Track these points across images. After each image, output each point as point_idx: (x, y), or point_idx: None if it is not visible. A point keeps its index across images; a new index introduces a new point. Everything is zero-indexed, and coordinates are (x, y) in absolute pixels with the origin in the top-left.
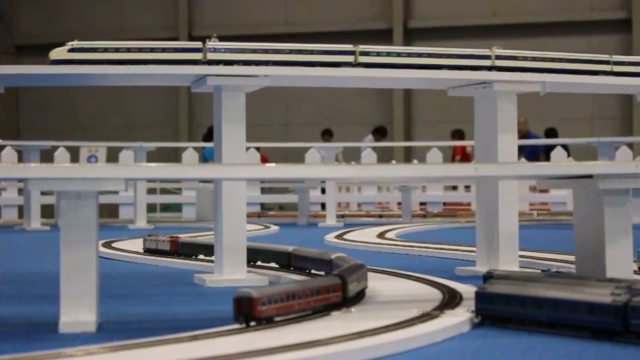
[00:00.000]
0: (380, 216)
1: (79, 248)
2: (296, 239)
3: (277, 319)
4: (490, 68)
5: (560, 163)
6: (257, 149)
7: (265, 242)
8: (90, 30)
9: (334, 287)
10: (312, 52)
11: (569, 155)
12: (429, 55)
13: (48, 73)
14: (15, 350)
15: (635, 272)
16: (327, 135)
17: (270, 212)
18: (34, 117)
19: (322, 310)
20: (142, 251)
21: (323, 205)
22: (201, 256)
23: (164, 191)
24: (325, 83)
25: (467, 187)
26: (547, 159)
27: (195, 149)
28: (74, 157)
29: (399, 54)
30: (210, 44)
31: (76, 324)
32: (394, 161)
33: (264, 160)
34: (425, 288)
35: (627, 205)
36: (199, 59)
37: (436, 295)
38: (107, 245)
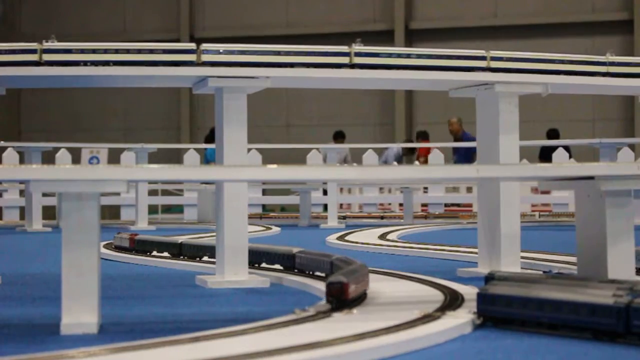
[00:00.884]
0: (382, 217)
1: (81, 249)
2: (298, 240)
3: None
4: (485, 69)
5: (562, 164)
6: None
7: (267, 243)
8: (92, 32)
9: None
10: (307, 53)
11: (570, 157)
12: (424, 56)
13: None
14: (16, 352)
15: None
16: (340, 138)
17: (272, 214)
18: (35, 119)
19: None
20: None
21: (325, 207)
22: (154, 252)
23: (166, 193)
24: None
25: (469, 189)
26: (549, 160)
27: (197, 150)
28: (76, 158)
29: (394, 55)
30: (205, 45)
31: (78, 326)
32: (395, 162)
33: None
34: (427, 289)
35: (629, 206)
36: (193, 61)
37: (438, 296)
38: (109, 246)
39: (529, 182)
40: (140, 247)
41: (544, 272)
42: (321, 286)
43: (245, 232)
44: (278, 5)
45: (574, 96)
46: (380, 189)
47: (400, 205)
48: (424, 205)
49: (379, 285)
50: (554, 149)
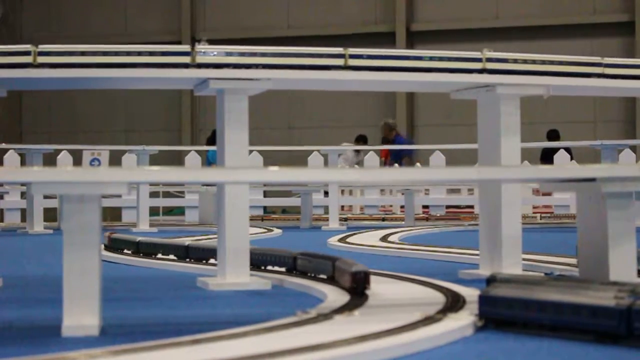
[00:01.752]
0: (383, 219)
1: (82, 251)
2: (299, 242)
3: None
4: (481, 71)
5: (563, 166)
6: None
7: (269, 245)
8: (93, 34)
9: None
10: (301, 55)
11: (572, 158)
12: (419, 57)
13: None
14: (18, 354)
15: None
16: (361, 142)
17: (273, 216)
18: (36, 121)
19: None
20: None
21: (326, 209)
22: (126, 250)
23: (167, 194)
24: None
25: (470, 190)
26: (550, 162)
27: (198, 152)
28: (77, 160)
29: (389, 57)
30: (200, 47)
31: (79, 328)
32: (396, 164)
33: None
34: (428, 291)
35: (630, 208)
36: (188, 63)
37: (439, 298)
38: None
39: (530, 184)
40: (113, 245)
41: (546, 274)
42: (322, 287)
43: (247, 234)
44: (279, 7)
45: (575, 98)
46: (382, 190)
47: (402, 207)
48: (425, 207)
49: (380, 287)
50: (555, 150)
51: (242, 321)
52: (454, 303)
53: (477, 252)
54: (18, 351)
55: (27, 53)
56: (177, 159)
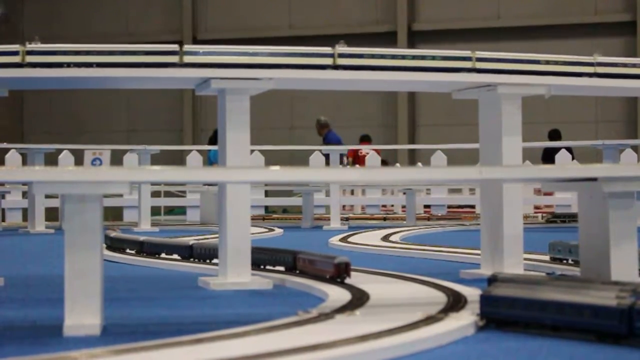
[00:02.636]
0: (385, 219)
1: (84, 251)
2: (300, 241)
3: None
4: (470, 70)
5: (565, 166)
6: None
7: (270, 244)
8: (95, 34)
9: None
10: (289, 54)
11: (573, 158)
12: (409, 57)
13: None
14: (19, 353)
15: None
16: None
17: (274, 215)
18: (38, 120)
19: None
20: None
21: (327, 208)
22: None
23: (168, 194)
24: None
25: (472, 190)
26: (552, 161)
27: (200, 152)
28: (78, 160)
29: (378, 56)
30: (187, 47)
31: (80, 327)
32: (398, 164)
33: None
34: (430, 291)
35: (632, 208)
36: (175, 62)
37: (440, 298)
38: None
39: (531, 184)
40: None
41: (547, 273)
42: (323, 287)
43: (248, 234)
44: (281, 7)
45: (577, 98)
46: (383, 190)
47: (403, 206)
48: (426, 206)
49: (381, 287)
50: (556, 150)
51: (243, 321)
52: (456, 303)
53: (478, 251)
54: (19, 350)
55: (15, 53)
56: (178, 159)
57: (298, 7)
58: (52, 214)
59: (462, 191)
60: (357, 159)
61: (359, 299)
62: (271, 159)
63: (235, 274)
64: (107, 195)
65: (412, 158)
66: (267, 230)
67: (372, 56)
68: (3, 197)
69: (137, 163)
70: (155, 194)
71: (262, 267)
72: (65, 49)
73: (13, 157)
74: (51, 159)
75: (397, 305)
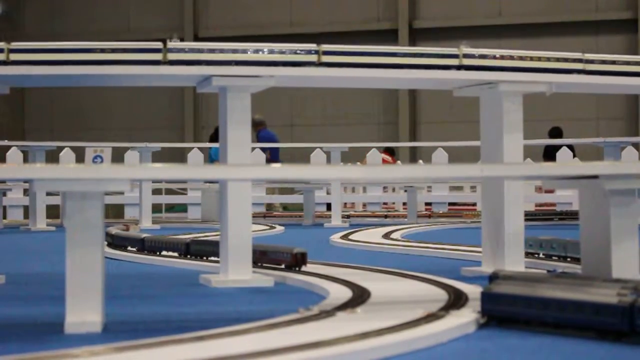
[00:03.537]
0: (386, 217)
1: (85, 248)
2: (301, 239)
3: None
4: (458, 67)
5: (566, 163)
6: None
7: (271, 242)
8: (96, 31)
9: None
10: (274, 51)
11: (574, 156)
12: (395, 54)
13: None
14: (20, 351)
15: None
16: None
17: (275, 213)
18: (39, 118)
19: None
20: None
21: (328, 206)
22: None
23: (169, 192)
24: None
25: (473, 188)
26: (553, 159)
27: (201, 149)
28: (80, 157)
29: (363, 54)
30: (171, 44)
31: (82, 325)
32: (399, 162)
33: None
34: (431, 288)
35: (633, 205)
36: (159, 60)
37: (442, 295)
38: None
39: (533, 181)
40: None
41: (548, 271)
42: (325, 285)
43: (249, 231)
44: (282, 4)
45: (578, 95)
46: (384, 188)
47: (404, 204)
48: (427, 204)
49: (382, 285)
50: (557, 148)
51: (244, 318)
52: (457, 300)
53: (479, 249)
54: (21, 348)
55: (0, 50)
56: (179, 156)
57: (299, 5)
58: (53, 212)
59: (463, 189)
60: None
61: (360, 296)
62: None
63: (236, 271)
64: (108, 192)
65: (413, 155)
66: (268, 227)
67: (356, 53)
68: (4, 194)
69: (138, 161)
70: (157, 192)
71: (202, 258)
72: (50, 47)
73: (14, 154)
74: (52, 157)
75: (398, 303)
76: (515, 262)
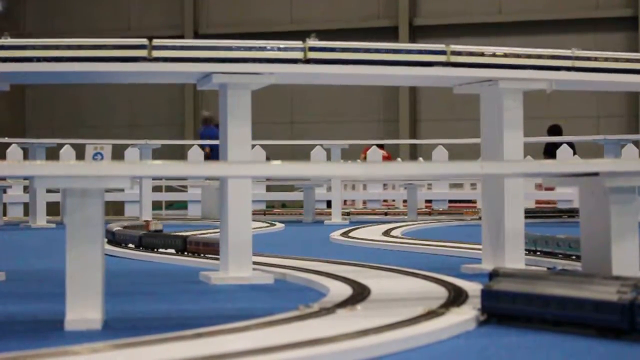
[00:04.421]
0: (386, 214)
1: (85, 245)
2: (301, 236)
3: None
4: (446, 64)
5: (566, 161)
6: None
7: (271, 239)
8: (96, 29)
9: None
10: (259, 48)
11: (575, 153)
12: (381, 50)
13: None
14: (21, 347)
15: None
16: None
17: (275, 210)
18: (40, 115)
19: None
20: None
21: (329, 203)
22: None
23: (170, 189)
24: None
25: (473, 185)
26: (553, 156)
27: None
28: (80, 154)
29: (350, 50)
30: (157, 41)
31: (82, 322)
32: (399, 159)
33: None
34: (431, 286)
35: (633, 203)
36: (144, 57)
37: (442, 292)
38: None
39: (533, 179)
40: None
41: (549, 268)
42: (325, 282)
43: (249, 229)
44: (282, 2)
45: (578, 93)
46: (384, 185)
47: (404, 201)
48: (427, 201)
49: (382, 282)
50: (558, 145)
51: (244, 315)
52: (457, 297)
53: (479, 246)
54: (21, 345)
55: None
56: (179, 153)
57: (299, 2)
58: (53, 209)
59: (463, 186)
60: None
61: (360, 293)
62: (272, 153)
63: (236, 268)
64: (108, 189)
65: (414, 153)
66: (268, 225)
67: (343, 50)
68: (4, 191)
69: (139, 158)
70: (157, 189)
71: (154, 250)
72: (35, 44)
73: (14, 151)
74: (52, 154)
75: (398, 300)
76: (515, 259)
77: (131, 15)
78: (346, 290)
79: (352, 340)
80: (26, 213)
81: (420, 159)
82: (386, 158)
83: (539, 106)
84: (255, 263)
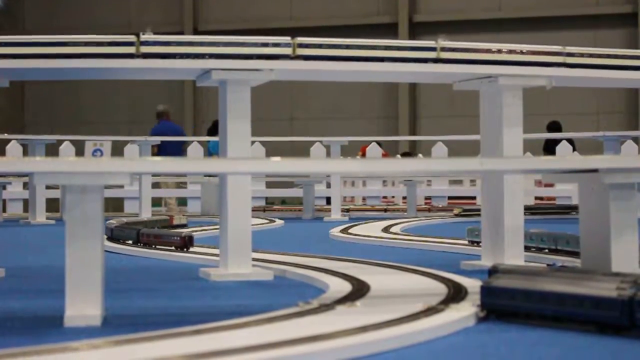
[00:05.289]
0: (385, 210)
1: (85, 242)
2: (300, 233)
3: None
4: (436, 60)
5: (565, 157)
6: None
7: (271, 236)
8: (96, 26)
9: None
10: (245, 44)
11: (574, 150)
12: (370, 47)
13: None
14: (20, 344)
15: None
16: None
17: (275, 207)
18: (39, 111)
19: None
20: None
21: (328, 200)
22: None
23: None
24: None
25: (473, 182)
26: (552, 153)
27: (200, 143)
28: (79, 151)
29: (338, 46)
30: (145, 37)
31: (81, 318)
32: (399, 155)
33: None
34: (430, 282)
35: (632, 199)
36: (132, 53)
37: (441, 289)
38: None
39: (532, 175)
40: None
41: (548, 265)
42: (324, 278)
43: (249, 225)
44: None
45: (578, 89)
46: (384, 181)
47: (404, 198)
48: (427, 198)
49: (382, 278)
50: (557, 142)
51: (244, 312)
52: (456, 294)
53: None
54: (20, 341)
55: None
56: None
57: None
58: (53, 205)
59: (462, 182)
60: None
61: (359, 290)
62: (272, 150)
63: (236, 265)
64: (108, 186)
65: (413, 149)
66: (267, 221)
67: (331, 46)
68: (4, 188)
69: (138, 154)
70: (156, 185)
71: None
72: (30, 41)
73: (14, 148)
74: (52, 150)
75: (398, 296)
76: (514, 255)
77: (131, 12)
78: (346, 287)
79: (351, 337)
80: (26, 209)
81: (420, 155)
82: (384, 157)
83: (539, 103)
84: (254, 259)
